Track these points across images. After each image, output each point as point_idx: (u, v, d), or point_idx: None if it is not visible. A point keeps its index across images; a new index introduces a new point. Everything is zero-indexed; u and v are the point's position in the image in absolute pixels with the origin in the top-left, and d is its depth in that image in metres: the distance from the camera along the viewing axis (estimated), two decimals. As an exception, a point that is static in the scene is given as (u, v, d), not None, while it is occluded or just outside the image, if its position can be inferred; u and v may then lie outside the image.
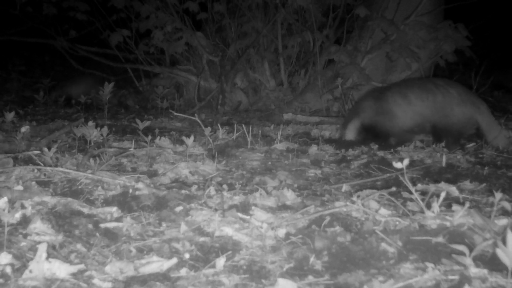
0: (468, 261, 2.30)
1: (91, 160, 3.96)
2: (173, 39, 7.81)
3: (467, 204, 2.80)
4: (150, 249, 2.60)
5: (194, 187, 3.57)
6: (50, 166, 3.84)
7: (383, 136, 5.52)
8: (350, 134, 5.63)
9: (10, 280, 2.17)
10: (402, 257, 2.48)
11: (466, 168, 4.31)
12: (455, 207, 2.88)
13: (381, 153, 4.80)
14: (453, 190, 3.46)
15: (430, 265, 2.34)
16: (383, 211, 2.99)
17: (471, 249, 2.32)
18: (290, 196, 3.39)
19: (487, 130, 5.27)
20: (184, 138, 4.44)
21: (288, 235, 2.78)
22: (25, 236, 2.63)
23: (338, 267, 2.41)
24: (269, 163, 4.47)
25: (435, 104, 5.28)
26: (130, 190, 3.43)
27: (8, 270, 2.24)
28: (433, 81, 5.52)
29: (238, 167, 4.29)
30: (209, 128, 4.83)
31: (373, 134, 5.59)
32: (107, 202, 3.27)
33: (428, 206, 2.88)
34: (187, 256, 2.52)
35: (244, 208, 3.21)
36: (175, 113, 5.61)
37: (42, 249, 2.29)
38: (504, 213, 2.95)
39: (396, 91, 5.50)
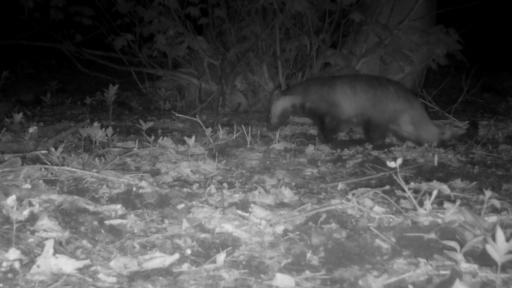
0: (459, 256, 2.36)
1: (96, 160, 3.97)
2: (175, 43, 7.83)
3: (458, 202, 2.85)
4: (153, 245, 2.64)
5: (195, 186, 3.62)
6: (57, 165, 3.88)
7: (320, 121, 5.73)
8: (280, 107, 5.82)
9: (18, 275, 2.22)
10: (396, 253, 2.53)
11: (457, 167, 4.36)
12: (446, 204, 2.93)
13: (375, 153, 4.84)
14: (445, 188, 3.51)
15: (422, 261, 2.39)
16: (377, 208, 3.04)
17: (462, 245, 2.38)
18: (288, 194, 3.43)
19: (419, 124, 5.50)
20: (186, 138, 4.48)
21: (286, 231, 2.83)
22: (32, 232, 2.68)
23: (334, 263, 2.47)
24: (268, 162, 4.51)
25: (374, 98, 5.48)
26: (134, 188, 3.46)
27: (17, 265, 2.28)
28: (378, 78, 5.79)
29: (237, 166, 4.33)
30: (210, 129, 4.88)
31: (311, 117, 5.89)
32: (112, 200, 3.32)
33: (421, 204, 2.93)
34: (188, 252, 2.57)
35: (244, 205, 3.25)
36: (177, 114, 5.65)
37: (49, 245, 2.33)
38: (494, 210, 3.00)
39: (346, 82, 5.73)
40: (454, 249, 2.38)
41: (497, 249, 2.08)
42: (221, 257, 2.45)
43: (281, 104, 5.83)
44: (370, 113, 5.53)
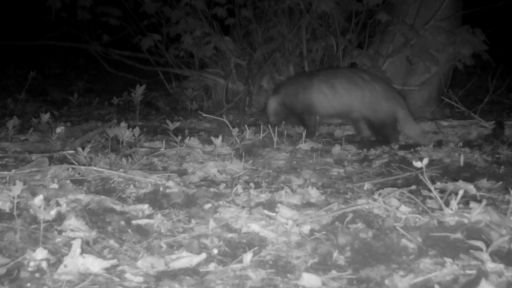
0: (485, 256, 2.36)
1: (124, 160, 3.99)
2: (202, 43, 7.83)
3: (484, 202, 2.84)
4: (180, 245, 2.66)
5: (222, 185, 3.63)
6: (84, 165, 3.92)
7: (301, 118, 5.93)
8: (271, 106, 6.08)
9: (46, 274, 2.24)
10: (422, 253, 2.53)
11: (483, 167, 4.33)
12: (472, 204, 2.93)
13: (401, 153, 4.82)
14: (471, 188, 3.49)
15: (448, 260, 2.39)
16: (404, 208, 3.04)
17: (488, 245, 2.39)
18: (314, 194, 3.44)
19: (405, 122, 5.59)
20: (212, 138, 4.51)
21: (312, 231, 2.84)
22: (60, 232, 2.71)
23: (360, 262, 2.48)
24: (294, 162, 4.51)
25: (363, 98, 5.55)
26: (161, 188, 3.49)
27: (44, 265, 2.31)
28: (360, 74, 5.76)
29: (264, 166, 4.34)
30: (236, 129, 4.89)
31: (292, 114, 6.04)
32: (139, 200, 3.34)
33: (447, 204, 2.92)
34: (215, 251, 2.58)
35: (270, 205, 3.26)
36: (204, 114, 5.67)
37: (77, 244, 2.35)
38: (520, 210, 2.97)
39: (323, 80, 5.80)
40: (480, 249, 2.38)
41: (524, 248, 2.06)
42: (247, 257, 2.46)
43: (271, 103, 6.13)
44: (366, 113, 5.60)
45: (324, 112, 5.82)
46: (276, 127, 5.33)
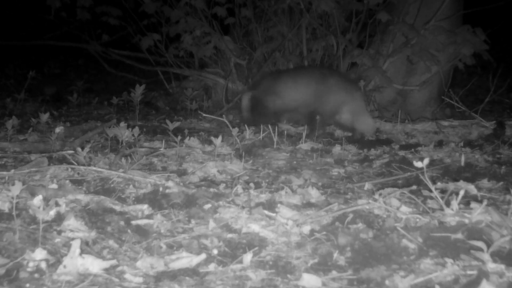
0: (486, 256, 2.35)
1: (123, 160, 3.99)
2: (202, 43, 7.83)
3: (485, 202, 2.83)
4: (180, 245, 2.66)
5: (222, 186, 3.62)
6: (84, 165, 3.91)
7: (267, 113, 6.06)
8: (244, 103, 6.16)
9: (45, 275, 2.24)
10: (423, 253, 2.52)
11: (484, 167, 4.32)
12: (473, 204, 2.91)
13: (402, 153, 4.80)
14: (472, 188, 3.48)
15: (449, 261, 2.38)
16: (404, 208, 3.03)
17: (488, 245, 2.38)
18: (314, 194, 3.43)
19: (356, 115, 5.87)
20: (212, 138, 4.50)
21: (312, 231, 2.84)
22: (59, 232, 2.70)
23: (360, 263, 2.47)
24: (294, 162, 4.50)
25: (316, 91, 5.81)
26: (161, 189, 3.48)
27: (43, 265, 2.31)
28: (321, 70, 6.26)
29: (264, 166, 4.33)
30: (236, 129, 4.88)
31: (259, 109, 6.11)
32: (138, 200, 3.33)
33: (448, 204, 2.91)
34: (215, 252, 2.58)
35: (270, 205, 3.25)
36: (204, 114, 5.66)
37: (76, 245, 2.35)
38: (521, 210, 2.97)
39: (290, 75, 6.20)
40: (481, 249, 2.37)
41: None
42: (247, 257, 2.46)
43: (244, 99, 6.19)
44: (315, 105, 5.82)
45: (290, 106, 6.03)
46: (276, 127, 5.33)
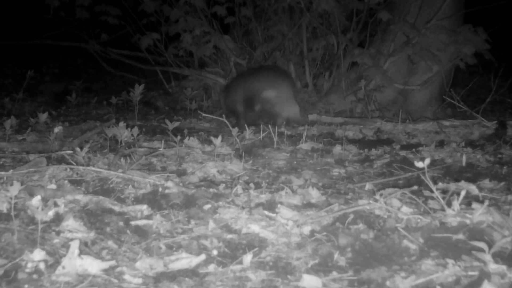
0: (487, 257, 2.33)
1: (122, 160, 3.99)
2: (202, 42, 7.82)
3: (487, 202, 2.81)
4: (179, 246, 2.64)
5: (222, 186, 3.60)
6: (82, 165, 3.89)
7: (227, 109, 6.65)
8: (222, 100, 6.86)
9: (43, 276, 2.22)
10: (424, 254, 2.51)
11: (485, 167, 4.29)
12: (474, 205, 2.90)
13: (403, 153, 4.77)
14: (473, 188, 3.45)
15: (450, 261, 2.36)
16: (405, 209, 3.01)
17: (490, 246, 2.36)
18: (315, 195, 3.41)
19: (281, 105, 6.20)
20: (212, 138, 4.47)
21: (313, 232, 2.82)
22: (58, 233, 2.69)
23: (361, 263, 2.46)
24: (295, 162, 4.48)
25: (248, 86, 6.34)
26: (160, 189, 3.46)
27: (42, 266, 2.29)
28: (264, 67, 6.80)
29: (264, 166, 4.31)
30: (236, 129, 4.85)
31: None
32: (138, 200, 3.32)
33: (449, 204, 2.89)
34: (215, 252, 2.57)
35: (270, 206, 3.23)
36: (204, 114, 5.65)
37: (75, 245, 2.34)
38: (522, 210, 2.95)
39: (242, 74, 6.80)
40: (482, 250, 2.36)
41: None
42: (247, 258, 2.44)
43: (221, 99, 6.72)
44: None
45: (237, 103, 6.42)
46: (277, 127, 5.33)
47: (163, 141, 4.87)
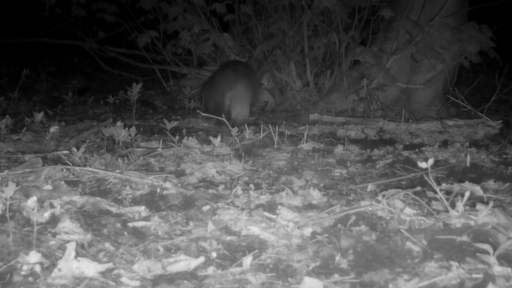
0: (492, 259, 2.30)
1: (119, 160, 3.95)
2: (201, 40, 7.83)
3: (491, 203, 2.79)
4: (178, 248, 2.62)
5: (221, 187, 3.58)
6: (79, 165, 3.86)
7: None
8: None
9: (39, 278, 2.19)
10: (427, 256, 2.48)
11: (490, 168, 4.26)
12: (479, 206, 2.86)
13: (406, 153, 4.76)
14: (477, 189, 3.42)
15: (454, 264, 2.33)
16: (408, 210, 2.98)
17: (495, 248, 2.33)
18: (316, 196, 3.38)
19: (234, 104, 6.43)
20: (211, 138, 4.45)
21: (314, 234, 2.79)
22: (54, 235, 2.66)
23: (363, 266, 2.43)
24: (295, 162, 4.45)
25: (215, 84, 6.68)
26: (158, 190, 3.43)
27: (37, 268, 2.26)
28: (228, 64, 7.22)
29: (264, 167, 4.29)
30: (236, 128, 4.84)
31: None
32: (135, 202, 3.29)
33: (453, 206, 2.86)
34: (214, 254, 2.54)
35: (271, 207, 3.21)
36: (202, 114, 5.64)
37: (71, 248, 2.31)
38: (528, 212, 2.92)
39: (215, 72, 7.29)
40: (487, 252, 2.33)
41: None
42: (247, 260, 2.41)
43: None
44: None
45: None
46: (277, 127, 5.30)
47: (161, 141, 4.85)
